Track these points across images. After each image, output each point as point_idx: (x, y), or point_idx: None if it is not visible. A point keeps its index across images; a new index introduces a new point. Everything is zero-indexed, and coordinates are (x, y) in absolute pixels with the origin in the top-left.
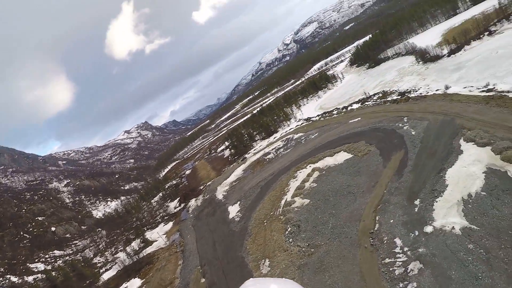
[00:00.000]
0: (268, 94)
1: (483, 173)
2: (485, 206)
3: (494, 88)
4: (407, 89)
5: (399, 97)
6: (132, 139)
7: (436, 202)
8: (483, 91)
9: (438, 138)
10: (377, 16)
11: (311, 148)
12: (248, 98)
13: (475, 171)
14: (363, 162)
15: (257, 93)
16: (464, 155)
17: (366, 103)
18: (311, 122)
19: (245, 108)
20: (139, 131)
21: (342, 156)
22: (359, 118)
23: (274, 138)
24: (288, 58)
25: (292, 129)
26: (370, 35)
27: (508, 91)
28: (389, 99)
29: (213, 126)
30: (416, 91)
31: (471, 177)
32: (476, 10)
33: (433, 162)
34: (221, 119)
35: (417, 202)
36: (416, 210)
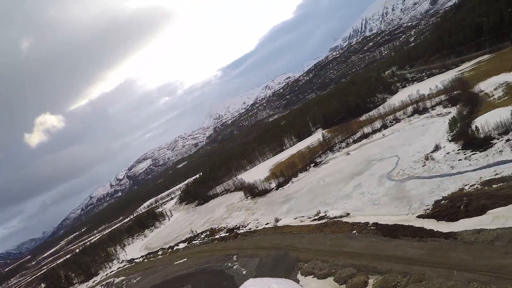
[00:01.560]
0: (95, 231)
1: None
2: None
3: (326, 215)
4: (236, 225)
5: (227, 234)
6: None
7: None
8: (315, 219)
9: (272, 275)
10: (209, 155)
11: None
12: (74, 235)
13: None
14: None
15: (84, 229)
16: None
17: (194, 242)
18: (134, 263)
19: (70, 246)
20: None
21: None
22: (185, 259)
23: (94, 282)
24: (120, 193)
25: (113, 272)
26: (201, 173)
27: (341, 216)
28: (217, 236)
29: (33, 263)
30: (245, 227)
31: None
32: (302, 145)
33: None
34: (44, 255)
35: None
36: None
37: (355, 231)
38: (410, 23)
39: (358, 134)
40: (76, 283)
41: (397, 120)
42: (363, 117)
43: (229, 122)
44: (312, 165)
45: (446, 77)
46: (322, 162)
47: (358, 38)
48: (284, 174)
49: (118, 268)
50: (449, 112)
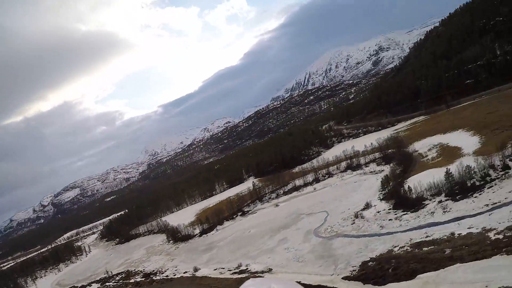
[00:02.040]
0: (10, 258)
1: None
2: None
3: (247, 269)
4: (153, 270)
5: (143, 278)
6: None
7: None
8: (235, 272)
9: None
10: (139, 191)
11: None
12: None
13: None
14: None
15: None
16: None
17: (107, 283)
18: None
19: None
20: None
21: None
22: None
23: None
24: (42, 220)
25: None
26: (126, 210)
27: (262, 271)
28: (132, 280)
29: None
30: (163, 273)
31: None
32: (232, 192)
33: None
34: None
35: None
36: None
37: None
38: (352, 81)
39: (290, 186)
40: None
41: (329, 175)
42: (296, 169)
43: (164, 160)
44: (239, 213)
45: (382, 135)
46: (250, 212)
47: (300, 90)
48: (210, 221)
49: None
50: (382, 170)
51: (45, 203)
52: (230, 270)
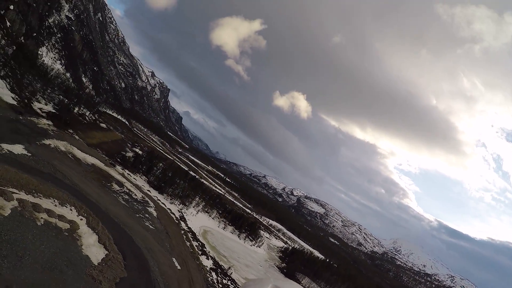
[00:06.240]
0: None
1: None
2: None
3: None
4: None
5: None
6: None
7: None
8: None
9: None
10: (354, 259)
11: None
12: None
13: None
14: None
15: None
16: None
17: None
18: None
19: None
20: None
21: None
22: None
23: None
24: (280, 200)
25: None
26: (334, 264)
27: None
28: None
29: None
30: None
31: None
32: None
33: None
34: None
35: None
36: None
37: None
38: None
39: None
40: None
41: None
42: None
43: (398, 262)
44: None
45: None
46: None
47: None
48: None
49: None
50: None
51: (295, 193)
52: None
